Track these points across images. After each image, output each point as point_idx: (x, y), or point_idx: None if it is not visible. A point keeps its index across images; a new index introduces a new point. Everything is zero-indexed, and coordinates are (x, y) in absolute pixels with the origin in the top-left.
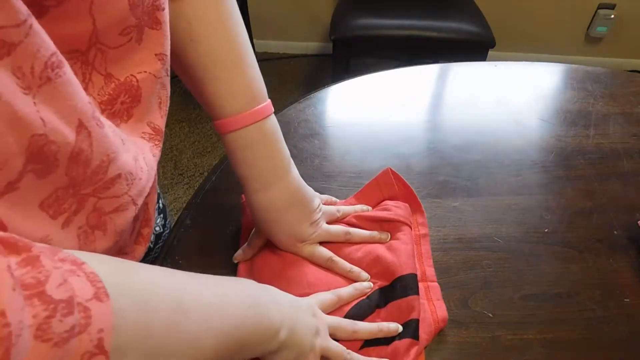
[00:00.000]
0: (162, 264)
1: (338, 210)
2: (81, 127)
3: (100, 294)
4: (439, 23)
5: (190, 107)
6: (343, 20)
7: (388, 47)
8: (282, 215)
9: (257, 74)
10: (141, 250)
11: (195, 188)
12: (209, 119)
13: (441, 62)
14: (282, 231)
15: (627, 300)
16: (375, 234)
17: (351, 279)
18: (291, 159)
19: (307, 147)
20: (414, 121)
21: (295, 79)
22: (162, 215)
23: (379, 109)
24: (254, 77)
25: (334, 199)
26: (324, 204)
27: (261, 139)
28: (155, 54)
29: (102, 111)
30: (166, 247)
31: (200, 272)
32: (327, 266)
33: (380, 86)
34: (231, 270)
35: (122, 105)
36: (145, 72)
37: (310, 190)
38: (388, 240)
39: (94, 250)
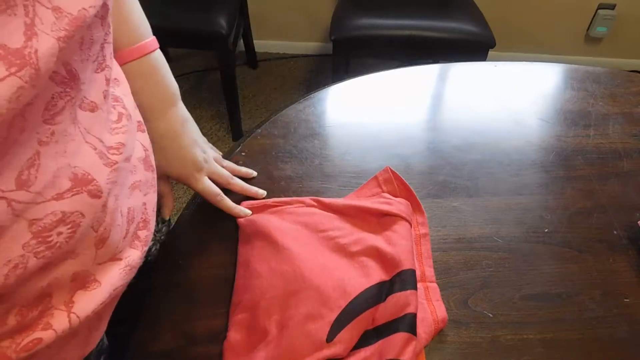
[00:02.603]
0: (161, 264)
1: (221, 161)
2: None
3: None
4: (439, 23)
5: (190, 107)
6: (343, 21)
7: (388, 47)
8: (178, 137)
9: (142, 14)
10: (137, 255)
11: None
12: (208, 119)
13: (441, 62)
14: (178, 156)
15: (627, 300)
16: (252, 188)
17: (235, 215)
18: (179, 94)
19: (307, 147)
20: (414, 121)
21: (295, 79)
22: (166, 224)
23: (379, 109)
24: (140, 17)
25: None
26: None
27: (153, 69)
28: None
29: (73, 53)
30: (166, 247)
31: (200, 273)
32: (214, 201)
33: (380, 86)
34: (231, 270)
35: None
36: (93, 7)
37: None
38: (264, 196)
39: None
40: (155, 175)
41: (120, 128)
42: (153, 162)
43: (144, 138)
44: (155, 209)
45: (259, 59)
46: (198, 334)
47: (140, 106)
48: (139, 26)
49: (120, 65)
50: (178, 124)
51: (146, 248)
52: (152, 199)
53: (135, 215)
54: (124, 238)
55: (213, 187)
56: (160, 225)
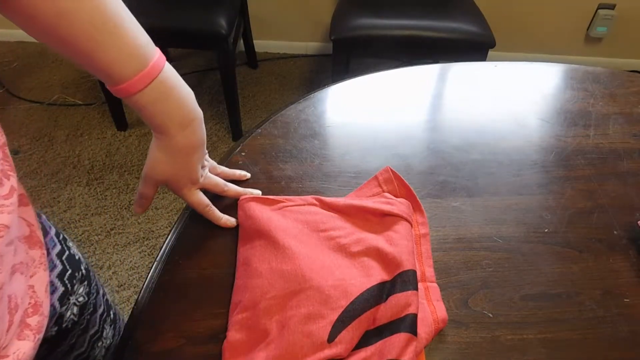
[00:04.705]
0: (163, 265)
1: (216, 167)
2: None
3: None
4: (439, 23)
5: None
6: (343, 21)
7: (388, 47)
8: (195, 152)
9: (138, 28)
10: (28, 346)
11: None
12: (208, 118)
13: (441, 62)
14: (187, 170)
15: (627, 300)
16: (247, 190)
17: (221, 226)
18: (194, 99)
19: (307, 147)
20: (414, 121)
21: (295, 79)
22: (85, 283)
23: (379, 109)
24: (138, 33)
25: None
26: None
27: (169, 88)
28: None
29: None
30: (166, 247)
31: (200, 273)
32: (203, 212)
33: (380, 86)
34: (231, 270)
35: None
36: None
37: None
38: (260, 195)
39: None
40: (45, 251)
41: (8, 206)
42: (41, 237)
43: (28, 213)
44: (48, 289)
45: (259, 59)
46: (198, 334)
47: (160, 126)
48: (141, 46)
49: (130, 96)
50: (198, 137)
51: (40, 335)
52: (42, 278)
53: (19, 302)
54: (7, 331)
55: (203, 198)
56: (77, 287)
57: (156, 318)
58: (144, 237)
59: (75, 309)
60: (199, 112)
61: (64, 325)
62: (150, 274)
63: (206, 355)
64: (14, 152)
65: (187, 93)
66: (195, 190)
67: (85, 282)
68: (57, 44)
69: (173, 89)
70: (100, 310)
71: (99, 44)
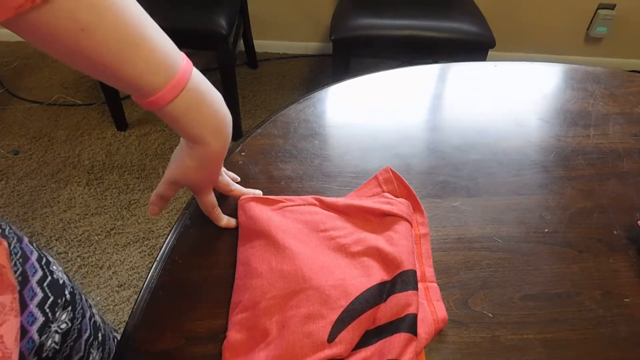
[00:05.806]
0: (162, 265)
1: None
2: None
3: None
4: (439, 23)
5: None
6: (343, 21)
7: (388, 47)
8: (224, 156)
9: (162, 35)
10: None
11: None
12: None
13: (441, 62)
14: (215, 173)
15: (627, 300)
16: (250, 191)
17: (222, 226)
18: (224, 104)
19: (307, 147)
20: (414, 121)
21: (295, 79)
22: (69, 309)
23: (379, 109)
24: (163, 43)
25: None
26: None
27: (200, 95)
28: None
29: None
30: (166, 247)
31: (200, 273)
32: (210, 211)
33: (380, 86)
34: (231, 270)
35: None
36: None
37: None
38: (261, 195)
39: None
40: (17, 295)
41: None
42: (13, 279)
43: None
44: (18, 337)
45: (259, 59)
46: (198, 334)
47: (196, 137)
48: (167, 54)
49: (161, 108)
50: (228, 144)
51: None
52: (13, 326)
53: None
54: None
55: (214, 199)
56: (59, 314)
57: (156, 318)
58: (144, 237)
59: (57, 337)
60: (229, 115)
61: (44, 355)
62: (150, 274)
63: (206, 355)
64: (14, 152)
65: (218, 97)
66: (210, 191)
67: (69, 308)
68: (80, 62)
69: (205, 95)
70: (85, 335)
71: (123, 56)
